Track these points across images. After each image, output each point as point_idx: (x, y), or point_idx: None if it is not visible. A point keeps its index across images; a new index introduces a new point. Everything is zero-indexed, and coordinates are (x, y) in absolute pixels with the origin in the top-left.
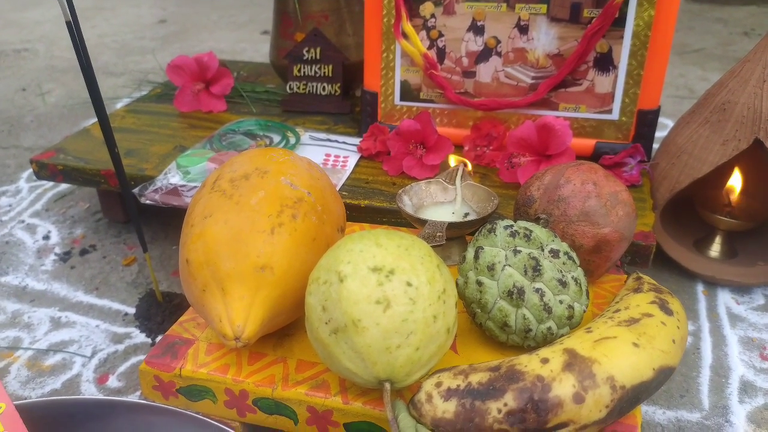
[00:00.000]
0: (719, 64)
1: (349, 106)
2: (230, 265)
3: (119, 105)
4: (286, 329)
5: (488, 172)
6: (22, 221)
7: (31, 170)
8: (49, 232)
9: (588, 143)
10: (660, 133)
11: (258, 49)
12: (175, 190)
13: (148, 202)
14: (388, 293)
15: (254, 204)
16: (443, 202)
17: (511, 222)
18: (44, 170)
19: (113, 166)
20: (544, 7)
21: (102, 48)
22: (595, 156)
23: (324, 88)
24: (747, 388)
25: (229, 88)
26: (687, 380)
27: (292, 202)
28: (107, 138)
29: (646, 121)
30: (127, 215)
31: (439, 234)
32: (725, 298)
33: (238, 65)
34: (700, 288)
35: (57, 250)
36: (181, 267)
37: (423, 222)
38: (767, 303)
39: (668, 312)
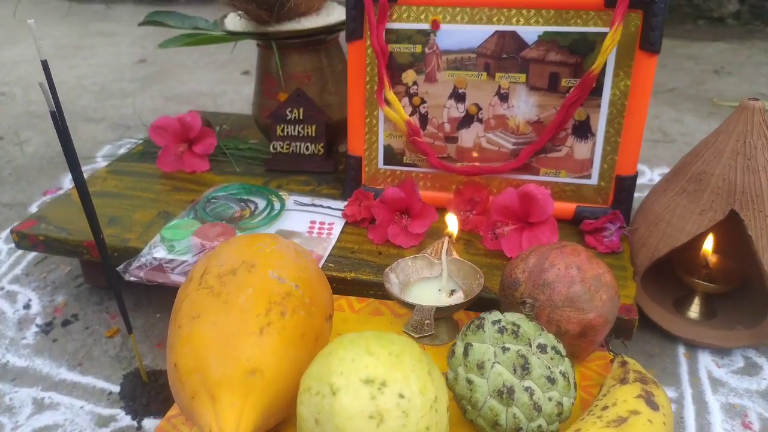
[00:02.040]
0: (692, 104)
1: (333, 165)
2: (220, 371)
3: (99, 159)
4: (276, 427)
5: (472, 238)
6: (2, 288)
7: (9, 230)
8: (30, 300)
9: (568, 207)
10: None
11: (239, 91)
12: (159, 267)
13: (132, 279)
14: (381, 407)
15: (242, 303)
16: (429, 278)
17: (498, 317)
18: (25, 240)
19: (97, 248)
20: (523, 77)
21: (80, 91)
22: (576, 219)
23: (308, 148)
24: None
25: (212, 148)
26: None
27: (280, 298)
28: (92, 224)
29: (624, 186)
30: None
31: (427, 322)
32: (706, 361)
33: (221, 118)
34: (681, 350)
35: (38, 320)
36: (169, 370)
37: (410, 306)
38: (746, 366)
39: (654, 407)
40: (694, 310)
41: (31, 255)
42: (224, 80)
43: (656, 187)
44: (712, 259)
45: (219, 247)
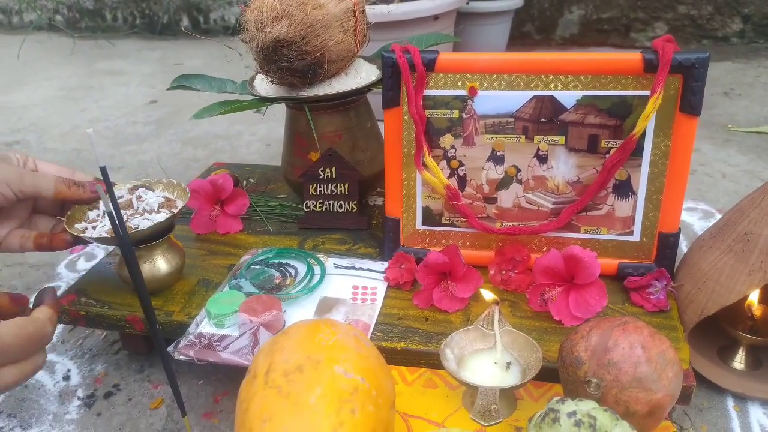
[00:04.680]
0: (707, 131)
1: (367, 222)
2: None
3: None
4: None
5: (517, 299)
6: None
7: None
8: (69, 370)
9: (611, 263)
10: None
11: (254, 132)
12: (209, 345)
13: (182, 357)
14: None
15: (313, 404)
16: (483, 350)
17: (573, 408)
18: (65, 316)
19: (153, 337)
20: (562, 139)
21: (96, 137)
22: (620, 276)
23: (341, 206)
24: None
25: (245, 209)
26: None
27: (349, 395)
28: (149, 317)
29: (668, 243)
30: (148, 347)
31: (494, 407)
32: (757, 414)
33: (246, 171)
34: (730, 403)
35: (80, 393)
36: None
37: (470, 386)
38: None
39: None
40: (739, 361)
41: None
42: (237, 120)
43: (700, 242)
44: (757, 310)
45: (281, 339)
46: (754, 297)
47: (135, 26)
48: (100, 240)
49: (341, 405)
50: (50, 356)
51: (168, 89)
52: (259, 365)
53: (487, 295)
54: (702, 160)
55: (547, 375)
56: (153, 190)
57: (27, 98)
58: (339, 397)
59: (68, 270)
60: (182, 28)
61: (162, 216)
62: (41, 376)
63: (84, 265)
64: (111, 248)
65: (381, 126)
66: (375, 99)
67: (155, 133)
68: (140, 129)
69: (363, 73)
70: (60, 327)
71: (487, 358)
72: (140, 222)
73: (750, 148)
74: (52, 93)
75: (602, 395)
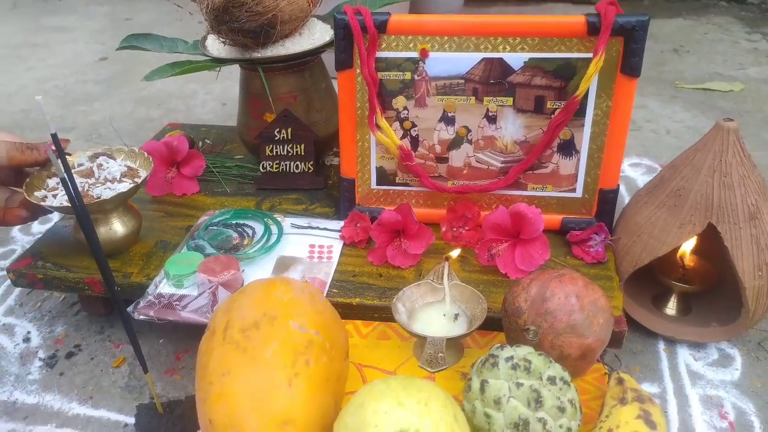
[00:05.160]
0: (655, 88)
1: (323, 181)
2: (254, 424)
3: None
4: None
5: (467, 254)
6: None
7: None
8: (29, 332)
9: (555, 218)
10: None
11: (209, 90)
12: (169, 305)
13: (142, 317)
14: None
15: (269, 357)
16: (433, 303)
17: (511, 353)
18: (22, 279)
19: (111, 296)
20: (510, 100)
21: (45, 96)
22: (563, 230)
23: (297, 167)
24: None
25: (201, 170)
26: None
27: (303, 348)
28: (106, 278)
29: (607, 199)
30: (107, 308)
31: (440, 355)
32: (684, 355)
33: (201, 132)
34: (661, 346)
35: (41, 354)
36: (202, 424)
37: (420, 336)
38: (720, 358)
39: (652, 425)
40: (672, 308)
41: None
42: (192, 79)
43: (637, 198)
44: (689, 260)
45: (238, 297)
46: (686, 248)
47: None
48: (61, 209)
49: (296, 357)
50: (8, 319)
51: (117, 49)
52: (218, 322)
53: (455, 253)
54: (648, 117)
55: (493, 325)
56: (114, 159)
57: None
58: (294, 350)
59: (22, 233)
60: None
61: (125, 186)
62: (0, 338)
63: (39, 228)
64: None
65: (335, 86)
66: (329, 58)
67: (106, 92)
68: (91, 88)
69: (317, 33)
70: (16, 290)
71: (437, 310)
72: (102, 191)
73: (694, 104)
74: None
75: (539, 341)
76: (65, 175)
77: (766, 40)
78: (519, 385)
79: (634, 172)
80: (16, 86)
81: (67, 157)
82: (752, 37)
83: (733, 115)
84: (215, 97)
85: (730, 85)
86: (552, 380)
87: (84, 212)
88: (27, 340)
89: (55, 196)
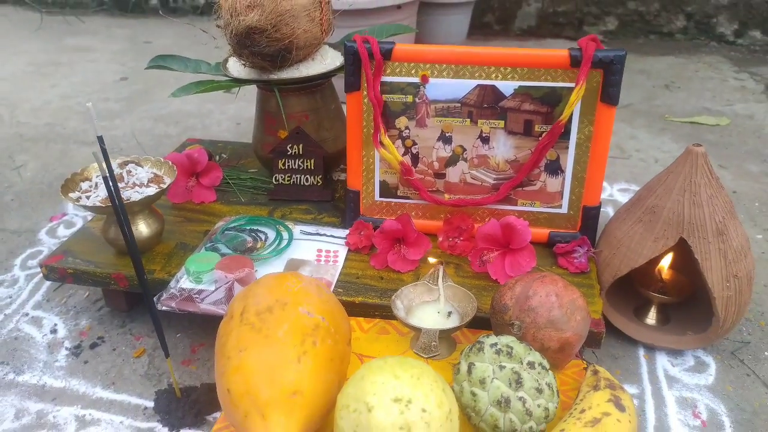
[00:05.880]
0: (645, 120)
1: (331, 194)
2: (267, 394)
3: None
4: None
5: (461, 262)
6: (26, 314)
7: (23, 256)
8: (56, 325)
9: (543, 232)
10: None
11: (223, 111)
12: (189, 298)
13: (164, 308)
14: (408, 420)
15: (281, 336)
16: (429, 302)
17: (495, 340)
18: (54, 273)
19: (140, 282)
20: (502, 123)
21: (68, 112)
22: (550, 243)
23: (307, 180)
24: None
25: (218, 181)
26: None
27: (311, 330)
28: (137, 269)
29: (590, 215)
30: (129, 304)
31: (433, 344)
32: (662, 361)
33: (218, 147)
34: (641, 352)
35: (67, 344)
36: (221, 394)
37: (416, 328)
38: (696, 364)
39: (621, 408)
40: (651, 318)
41: (49, 281)
42: (208, 99)
43: (617, 215)
44: (666, 274)
45: (253, 287)
46: (665, 263)
47: (103, 3)
48: (94, 209)
49: (304, 338)
50: (36, 312)
51: (146, 68)
52: (235, 307)
53: (432, 260)
54: (638, 146)
55: (483, 324)
56: (142, 166)
57: None
58: (303, 331)
59: (49, 236)
60: (160, 11)
61: (152, 190)
62: (29, 329)
63: (64, 232)
64: (91, 216)
65: (345, 107)
66: (339, 83)
67: (126, 109)
68: (112, 105)
69: (328, 59)
70: (44, 286)
71: (432, 308)
72: (132, 194)
73: (682, 136)
74: (21, 68)
75: (523, 335)
76: (107, 174)
77: (754, 79)
78: (502, 367)
79: (623, 197)
80: (41, 101)
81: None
82: (740, 76)
83: (719, 148)
84: (230, 117)
85: (717, 119)
86: (531, 365)
87: (121, 205)
88: (54, 331)
89: (88, 197)
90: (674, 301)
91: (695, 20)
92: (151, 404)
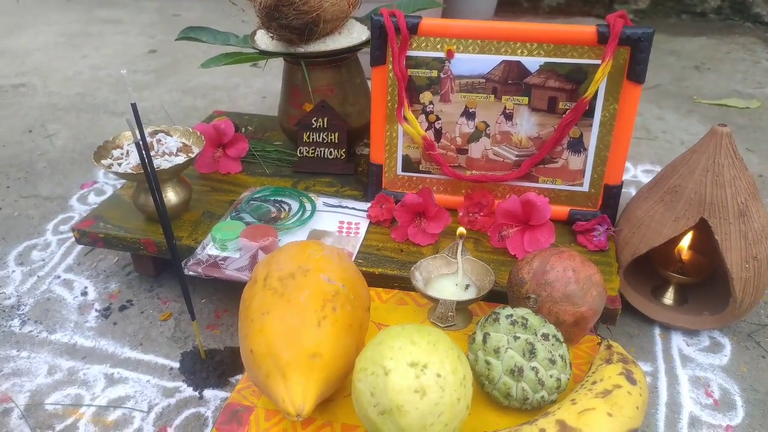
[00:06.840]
0: (674, 102)
1: (354, 168)
2: (288, 355)
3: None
4: (330, 396)
5: (480, 237)
6: (58, 277)
7: (55, 222)
8: (86, 287)
9: (563, 210)
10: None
11: (250, 84)
12: (215, 264)
13: (191, 273)
14: (423, 384)
15: (302, 301)
16: (447, 274)
17: (510, 312)
18: (85, 237)
19: (168, 245)
20: (526, 100)
21: (98, 83)
22: (570, 221)
23: (331, 153)
24: (695, 423)
25: (244, 152)
26: (647, 417)
27: (331, 296)
28: (167, 235)
29: (611, 194)
30: (157, 270)
31: (450, 314)
32: (678, 341)
33: (245, 119)
34: (657, 332)
35: (97, 306)
36: (244, 355)
37: (434, 299)
38: (711, 345)
39: (633, 382)
40: (669, 298)
41: (80, 246)
42: (234, 72)
43: (639, 194)
44: (685, 254)
45: (276, 253)
46: (684, 243)
47: None
48: (126, 175)
49: (325, 303)
50: (68, 275)
51: (177, 39)
52: (259, 273)
53: (462, 229)
54: (665, 128)
55: (500, 298)
56: (171, 136)
57: (28, 42)
58: (323, 297)
59: (80, 203)
60: None
61: (181, 159)
62: (61, 291)
63: (94, 199)
64: (121, 184)
65: (369, 83)
66: (365, 57)
67: (155, 81)
68: (140, 77)
69: (355, 33)
70: (75, 251)
71: (450, 280)
72: (161, 162)
73: (710, 118)
74: (53, 38)
75: (539, 308)
76: (140, 140)
77: None
78: (516, 338)
79: (646, 178)
80: (72, 71)
81: (128, 133)
82: None
83: (748, 131)
84: (256, 91)
85: (747, 102)
86: (545, 336)
87: (152, 171)
88: (84, 294)
89: (120, 164)
90: (693, 281)
91: (730, 0)
92: (176, 365)
